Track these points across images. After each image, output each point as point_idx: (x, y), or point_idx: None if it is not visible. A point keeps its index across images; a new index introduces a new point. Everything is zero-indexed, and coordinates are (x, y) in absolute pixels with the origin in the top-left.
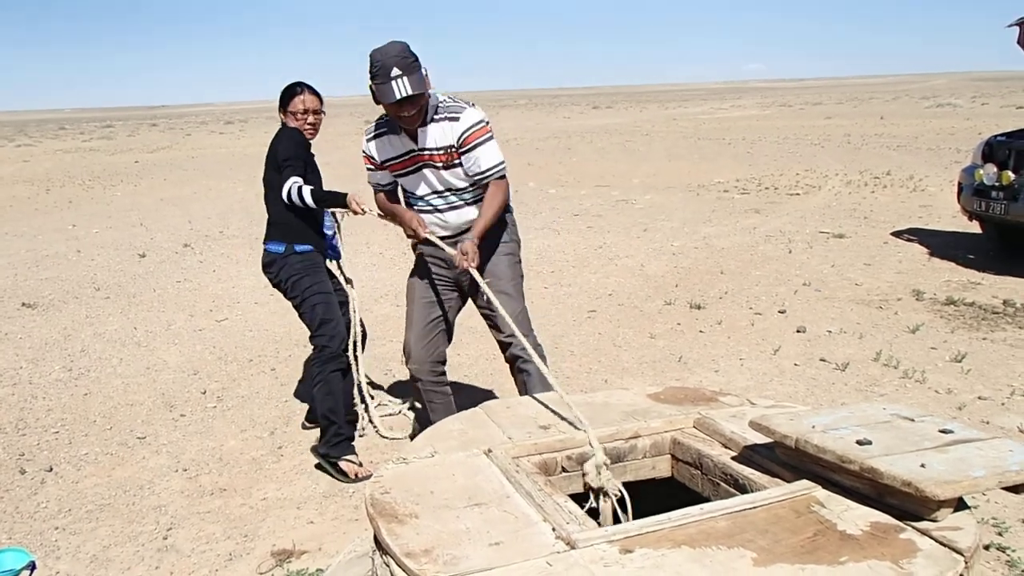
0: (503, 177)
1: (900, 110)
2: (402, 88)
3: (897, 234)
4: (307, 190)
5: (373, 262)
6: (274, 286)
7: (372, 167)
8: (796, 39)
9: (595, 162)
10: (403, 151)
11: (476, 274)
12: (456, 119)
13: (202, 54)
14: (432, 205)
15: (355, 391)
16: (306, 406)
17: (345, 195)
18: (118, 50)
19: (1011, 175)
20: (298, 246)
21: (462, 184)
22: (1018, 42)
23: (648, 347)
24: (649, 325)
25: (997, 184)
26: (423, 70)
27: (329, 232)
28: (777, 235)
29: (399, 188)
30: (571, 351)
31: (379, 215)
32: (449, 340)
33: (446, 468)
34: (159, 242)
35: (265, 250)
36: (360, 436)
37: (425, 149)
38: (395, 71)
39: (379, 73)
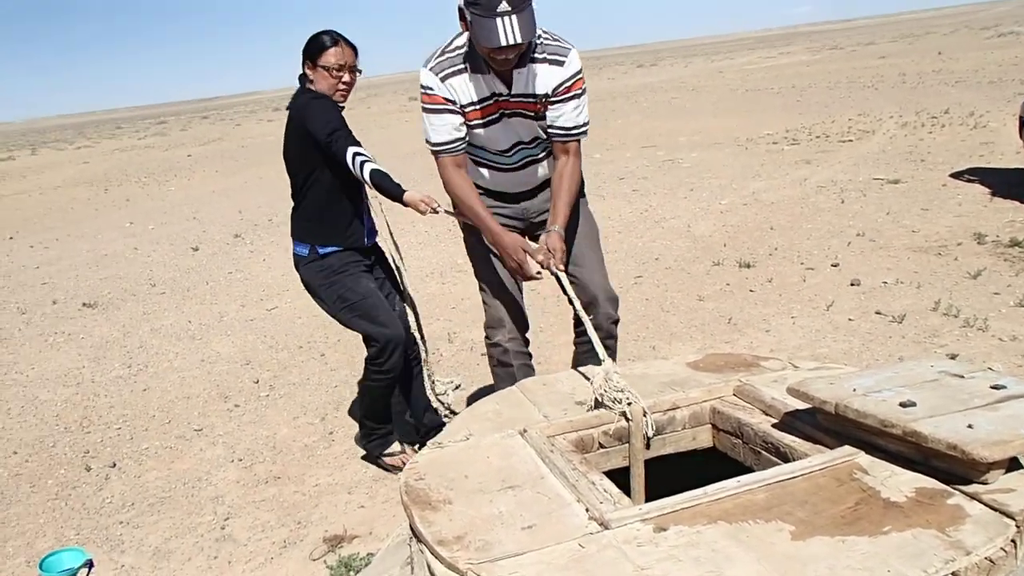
0: (579, 142)
1: (959, 43)
2: (510, 31)
3: (956, 175)
4: (368, 169)
5: (419, 240)
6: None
7: (442, 108)
8: None
9: (640, 123)
10: (488, 94)
11: (564, 278)
12: (560, 64)
13: (251, 41)
14: (508, 162)
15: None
16: (356, 389)
17: (404, 191)
18: (170, 46)
19: None
20: (321, 248)
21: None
22: None
23: (697, 310)
24: (697, 287)
25: None
26: (533, 5)
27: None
28: (829, 185)
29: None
30: None
31: (452, 213)
32: None
33: (481, 451)
34: (211, 234)
35: (293, 250)
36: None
37: (518, 95)
38: (503, 5)
39: (481, 2)
